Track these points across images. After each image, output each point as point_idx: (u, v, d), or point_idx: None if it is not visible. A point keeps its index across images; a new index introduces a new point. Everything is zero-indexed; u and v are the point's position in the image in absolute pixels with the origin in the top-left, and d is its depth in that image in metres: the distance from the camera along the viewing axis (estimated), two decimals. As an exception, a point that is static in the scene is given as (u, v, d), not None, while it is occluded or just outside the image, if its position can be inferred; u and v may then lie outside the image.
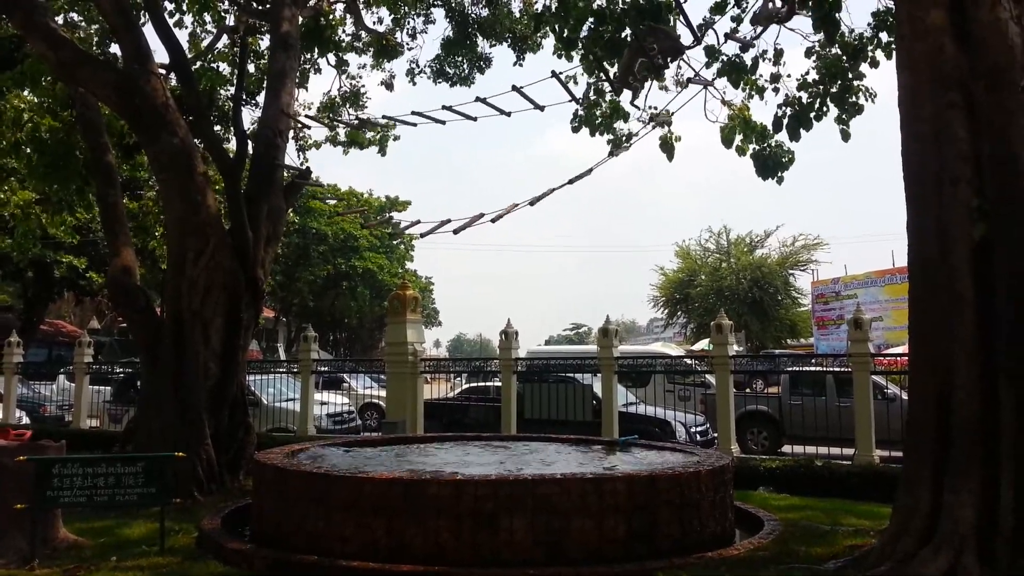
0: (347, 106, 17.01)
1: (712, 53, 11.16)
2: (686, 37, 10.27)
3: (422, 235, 10.76)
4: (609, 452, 9.20)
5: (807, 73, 11.44)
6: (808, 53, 11.49)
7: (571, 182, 10.40)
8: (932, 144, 6.05)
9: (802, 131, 11.13)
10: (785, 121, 11.17)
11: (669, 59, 9.97)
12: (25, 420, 17.30)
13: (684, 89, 11.10)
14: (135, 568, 6.62)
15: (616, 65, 10.67)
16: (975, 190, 5.80)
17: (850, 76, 11.10)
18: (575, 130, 12.24)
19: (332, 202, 43.35)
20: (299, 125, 13.87)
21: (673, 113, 11.10)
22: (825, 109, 11.24)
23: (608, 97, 11.84)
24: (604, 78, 11.32)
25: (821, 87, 11.24)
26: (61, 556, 7.08)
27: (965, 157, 5.86)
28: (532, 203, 10.45)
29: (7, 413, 16.86)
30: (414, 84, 16.32)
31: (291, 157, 13.77)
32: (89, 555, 7.10)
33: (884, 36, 10.97)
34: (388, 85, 17.13)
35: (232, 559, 6.71)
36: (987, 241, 5.72)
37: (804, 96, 11.30)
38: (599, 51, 10.59)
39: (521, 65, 15.94)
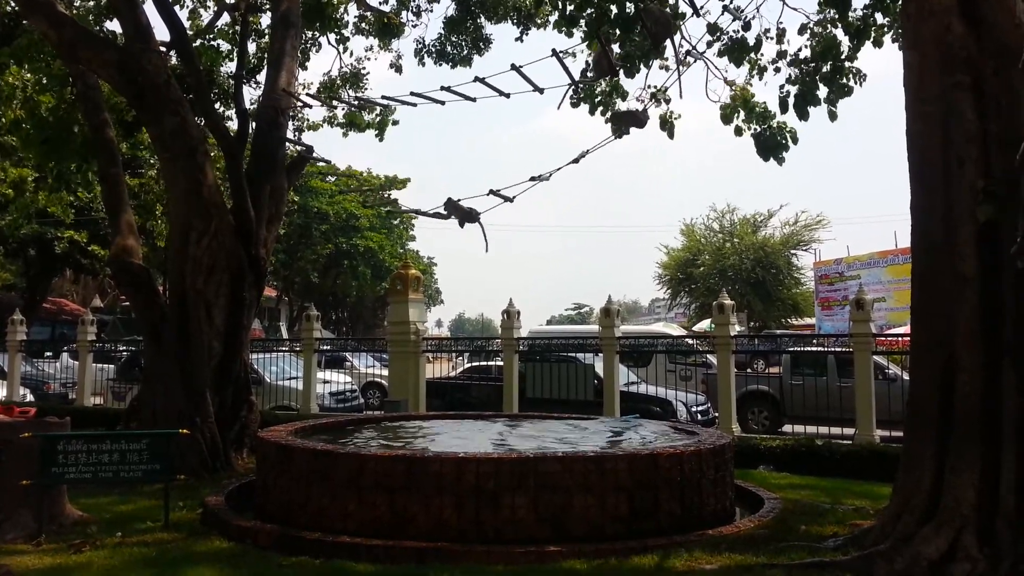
0: (347, 87, 16.90)
1: (714, 31, 11.07)
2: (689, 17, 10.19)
3: (418, 214, 10.66)
4: (611, 430, 9.24)
5: (800, 51, 11.37)
6: (802, 30, 11.40)
7: (575, 161, 10.23)
8: (938, 124, 6.02)
9: (810, 109, 11.06)
10: (791, 100, 11.10)
11: (660, 38, 9.83)
12: (29, 398, 17.37)
13: (686, 68, 11.01)
14: (140, 544, 6.69)
15: (595, 54, 10.50)
16: (981, 171, 5.77)
17: (843, 56, 11.02)
18: (574, 105, 12.18)
19: (332, 179, 43.33)
20: (299, 105, 13.79)
21: (663, 90, 10.97)
22: (816, 88, 11.18)
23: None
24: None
25: (812, 65, 11.17)
26: (67, 532, 7.14)
27: (972, 138, 5.83)
28: (541, 178, 10.28)
29: (11, 391, 16.93)
30: (422, 65, 16.14)
31: (290, 137, 13.72)
32: (95, 531, 7.16)
33: (879, 16, 10.88)
34: (397, 67, 16.99)
35: (236, 535, 6.77)
36: (992, 222, 5.71)
37: (796, 71, 11.23)
38: (605, 26, 10.49)
39: (523, 41, 15.78)
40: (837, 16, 10.84)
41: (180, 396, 10.26)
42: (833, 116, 11.16)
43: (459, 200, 9.33)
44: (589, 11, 10.81)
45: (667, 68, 12.14)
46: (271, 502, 7.25)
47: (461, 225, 9.41)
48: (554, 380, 13.51)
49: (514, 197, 9.37)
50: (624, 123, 9.44)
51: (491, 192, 9.34)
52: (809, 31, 11.32)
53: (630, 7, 10.18)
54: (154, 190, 17.41)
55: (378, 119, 16.14)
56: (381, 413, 13.40)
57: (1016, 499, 5.30)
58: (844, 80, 11.07)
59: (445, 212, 9.39)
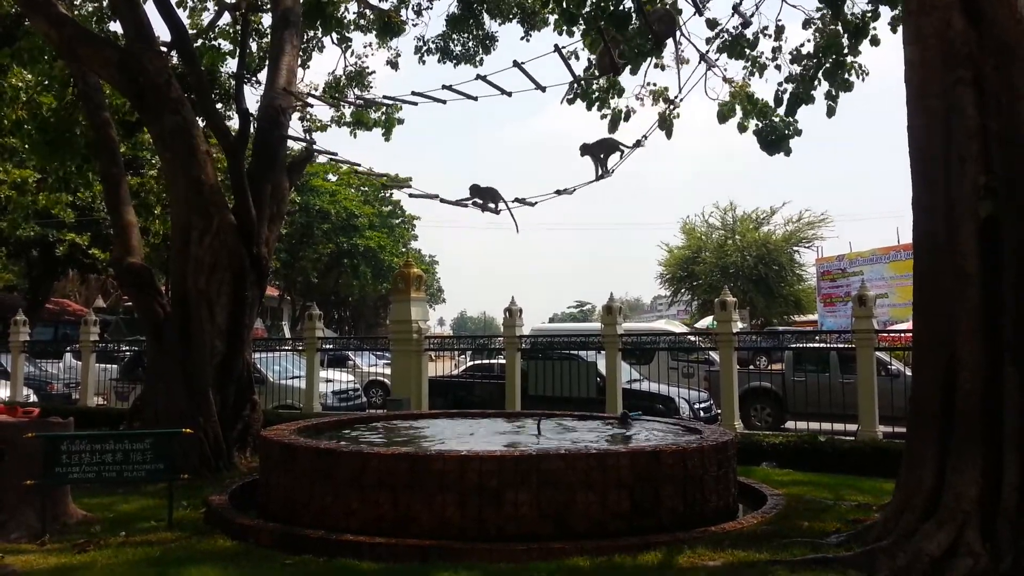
0: (352, 85, 16.91)
1: (714, 27, 11.08)
2: (688, 13, 10.20)
3: (442, 201, 10.66)
4: (613, 428, 9.24)
5: (802, 45, 11.36)
6: (806, 24, 11.39)
7: (600, 177, 10.01)
8: (939, 121, 6.01)
9: (802, 106, 11.09)
10: (785, 97, 11.11)
11: (664, 36, 9.84)
12: (32, 398, 17.40)
13: (686, 64, 11.01)
14: (144, 543, 6.70)
15: (599, 52, 10.50)
16: (983, 168, 5.77)
17: (846, 52, 11.02)
18: (571, 102, 12.17)
19: (334, 179, 43.33)
20: (302, 104, 13.79)
21: (677, 103, 10.99)
22: (816, 83, 11.18)
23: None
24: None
25: (815, 60, 11.17)
26: (71, 531, 7.16)
27: (972, 134, 5.82)
28: (566, 191, 10.11)
29: (14, 391, 16.96)
30: (423, 63, 16.13)
31: (294, 134, 13.71)
32: (98, 530, 7.18)
33: (887, 10, 10.88)
34: (393, 64, 17.01)
35: (240, 534, 6.78)
36: (993, 219, 5.70)
37: (797, 68, 11.23)
38: (604, 24, 10.49)
39: (528, 40, 15.76)
40: (831, 14, 10.83)
41: (183, 396, 10.27)
42: (832, 111, 11.17)
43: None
44: (587, 9, 10.81)
45: (662, 67, 12.15)
46: (274, 501, 7.27)
47: (484, 209, 9.48)
48: (556, 378, 13.52)
49: (536, 202, 9.54)
50: (597, 152, 9.44)
51: (516, 200, 9.49)
52: (813, 27, 11.32)
53: (625, 4, 10.18)
54: (154, 190, 17.42)
55: (384, 118, 16.14)
56: (383, 412, 13.41)
57: (1018, 496, 5.29)
58: (846, 76, 11.08)
59: (469, 199, 9.48)
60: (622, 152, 9.52)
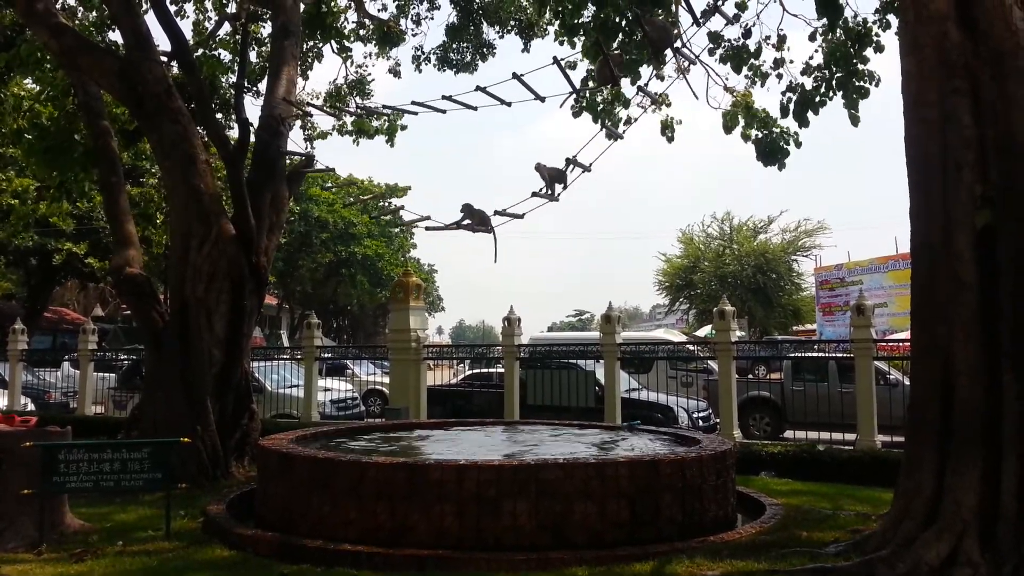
0: (353, 94, 16.98)
1: (716, 39, 11.12)
2: (687, 20, 10.22)
3: (428, 228, 10.62)
4: (612, 437, 9.24)
5: (811, 57, 11.39)
6: (812, 37, 11.44)
7: (583, 165, 9.93)
8: (936, 130, 6.04)
9: (810, 115, 11.10)
10: (791, 107, 11.13)
11: (661, 46, 9.84)
12: (30, 407, 17.37)
13: (687, 74, 11.02)
14: (141, 553, 6.68)
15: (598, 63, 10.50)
16: (979, 176, 5.80)
17: (855, 61, 11.06)
18: (576, 114, 12.19)
19: (331, 188, 43.32)
20: (303, 113, 13.82)
21: (661, 93, 11.04)
22: (830, 94, 11.20)
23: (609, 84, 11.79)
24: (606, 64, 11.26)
25: (826, 71, 11.20)
26: (68, 541, 7.14)
27: (969, 143, 5.85)
28: (543, 193, 10.11)
29: (12, 400, 16.93)
30: (419, 71, 16.32)
31: (297, 145, 13.77)
32: (96, 540, 7.17)
33: (892, 18, 10.92)
34: (395, 72, 17.12)
35: (238, 543, 6.76)
36: (990, 227, 5.73)
37: (808, 81, 11.25)
38: (599, 36, 10.53)
39: (528, 52, 15.88)
40: (828, 25, 10.88)
41: (181, 404, 10.25)
42: (855, 120, 11.14)
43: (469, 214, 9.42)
44: (586, 19, 10.85)
45: (661, 78, 12.18)
46: (272, 510, 7.25)
47: (474, 230, 9.45)
48: (555, 387, 13.51)
49: (524, 214, 9.48)
50: (553, 178, 9.42)
51: (496, 212, 9.42)
52: (821, 37, 11.37)
53: (617, 15, 10.21)
54: (155, 199, 17.46)
55: (387, 125, 16.19)
56: (382, 421, 13.39)
57: (1017, 503, 5.29)
58: (860, 83, 11.09)
59: (457, 220, 9.43)
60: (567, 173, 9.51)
